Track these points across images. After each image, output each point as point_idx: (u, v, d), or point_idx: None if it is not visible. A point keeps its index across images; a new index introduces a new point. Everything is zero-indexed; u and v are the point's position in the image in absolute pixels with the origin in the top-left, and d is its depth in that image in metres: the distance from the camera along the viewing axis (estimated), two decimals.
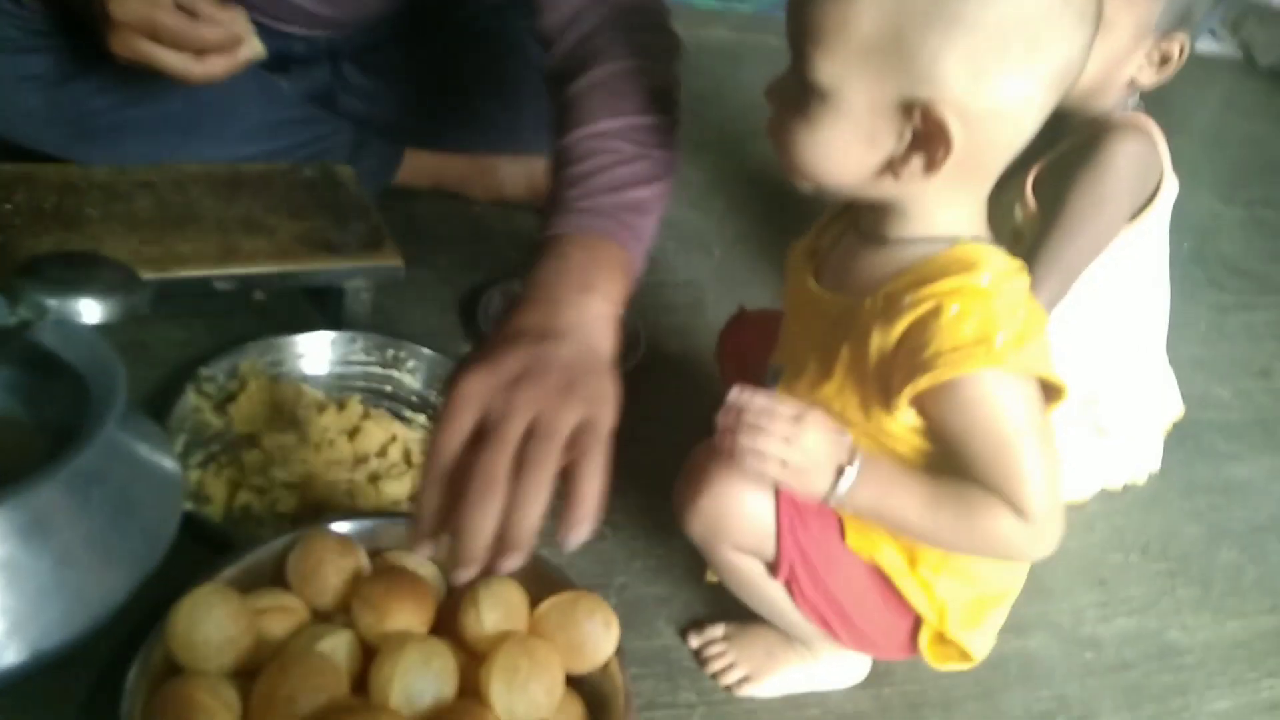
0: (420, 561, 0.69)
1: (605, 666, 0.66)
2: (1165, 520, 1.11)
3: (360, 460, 0.86)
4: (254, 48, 0.91)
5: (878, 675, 0.83)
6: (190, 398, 0.86)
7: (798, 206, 1.51)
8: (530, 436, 0.56)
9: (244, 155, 1.07)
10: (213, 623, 0.59)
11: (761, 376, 0.75)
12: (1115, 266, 0.93)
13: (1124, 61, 0.88)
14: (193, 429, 0.85)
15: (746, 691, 0.79)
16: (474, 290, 1.15)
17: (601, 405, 0.59)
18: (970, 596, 0.70)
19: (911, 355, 0.60)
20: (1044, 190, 0.93)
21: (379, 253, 1.00)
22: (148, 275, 0.86)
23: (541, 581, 0.68)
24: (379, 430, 0.89)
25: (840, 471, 0.63)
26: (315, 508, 0.79)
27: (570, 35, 0.80)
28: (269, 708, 0.56)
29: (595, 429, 0.58)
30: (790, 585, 0.70)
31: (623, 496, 0.93)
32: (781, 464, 0.62)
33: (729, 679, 0.80)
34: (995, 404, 0.60)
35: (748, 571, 0.71)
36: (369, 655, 0.62)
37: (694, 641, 0.82)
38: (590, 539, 0.58)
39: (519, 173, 1.27)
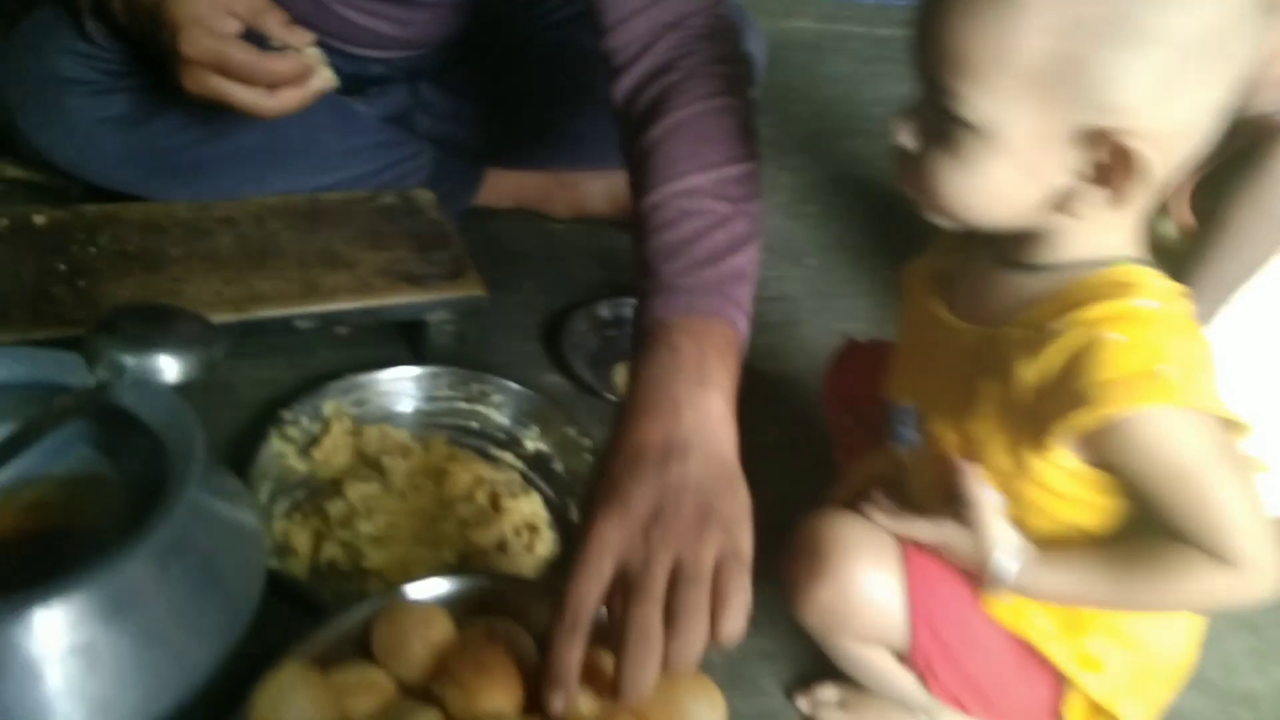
0: (510, 626, 0.65)
1: None
2: None
3: (446, 505, 0.82)
4: (326, 78, 0.88)
5: None
6: (274, 443, 0.84)
7: (899, 211, 1.43)
8: (676, 581, 0.54)
9: (323, 185, 1.05)
10: (297, 708, 0.55)
11: (873, 420, 0.69)
12: (1272, 281, 0.84)
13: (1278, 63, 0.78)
14: (277, 475, 0.83)
15: None
16: (557, 314, 1.10)
17: (739, 526, 0.57)
18: (1139, 664, 0.62)
19: (1066, 388, 0.53)
20: (1200, 201, 0.84)
21: (462, 282, 0.96)
22: (230, 317, 0.86)
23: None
24: (465, 473, 0.85)
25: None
26: (400, 562, 0.76)
27: (642, 66, 0.74)
28: None
29: (738, 555, 0.55)
30: (925, 676, 0.63)
31: None
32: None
33: None
34: (1174, 442, 0.53)
35: (873, 662, 0.65)
36: None
37: (804, 706, 0.76)
38: None
39: (601, 188, 1.23)
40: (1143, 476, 0.55)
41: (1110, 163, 0.51)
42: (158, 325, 0.69)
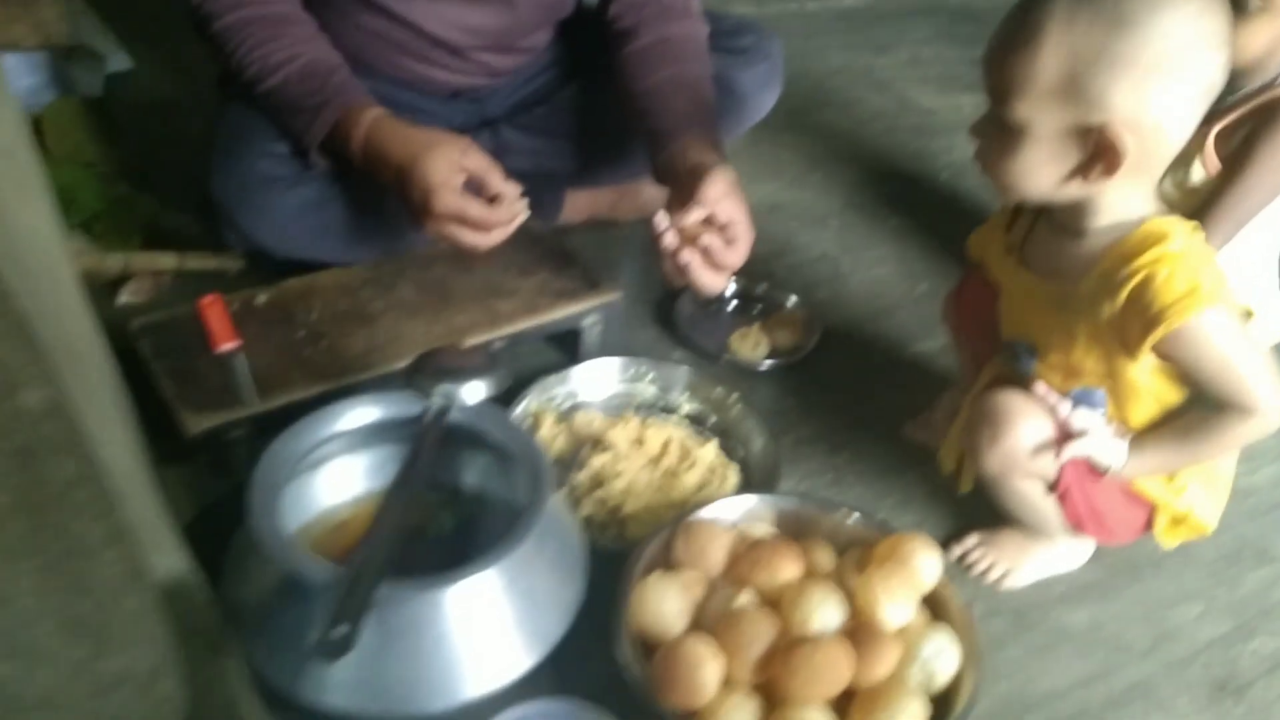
0: (766, 527, 0.90)
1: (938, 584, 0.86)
2: None
3: (654, 461, 1.06)
4: (524, 216, 1.08)
5: (1098, 552, 1.04)
6: None
7: (887, 171, 1.70)
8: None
9: None
10: (669, 598, 0.79)
11: (992, 331, 0.95)
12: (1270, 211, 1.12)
13: None
14: None
15: (1009, 584, 1.00)
16: (662, 301, 1.34)
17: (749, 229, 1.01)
18: (1206, 484, 0.91)
19: (1142, 314, 0.78)
20: (1223, 149, 1.11)
21: (601, 291, 1.19)
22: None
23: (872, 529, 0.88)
24: (657, 435, 1.08)
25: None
26: (646, 506, 0.99)
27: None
28: (738, 651, 0.76)
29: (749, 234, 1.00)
30: (1063, 499, 0.90)
31: (853, 454, 1.14)
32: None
33: (992, 576, 1.00)
34: (1215, 336, 0.78)
35: (1028, 493, 0.91)
36: (764, 602, 0.83)
37: (956, 551, 1.03)
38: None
39: (659, 191, 1.45)
40: (1196, 362, 0.80)
41: (1102, 147, 0.76)
42: (455, 361, 0.91)
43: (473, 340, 1.09)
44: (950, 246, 1.49)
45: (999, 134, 0.80)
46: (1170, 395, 0.85)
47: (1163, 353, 0.81)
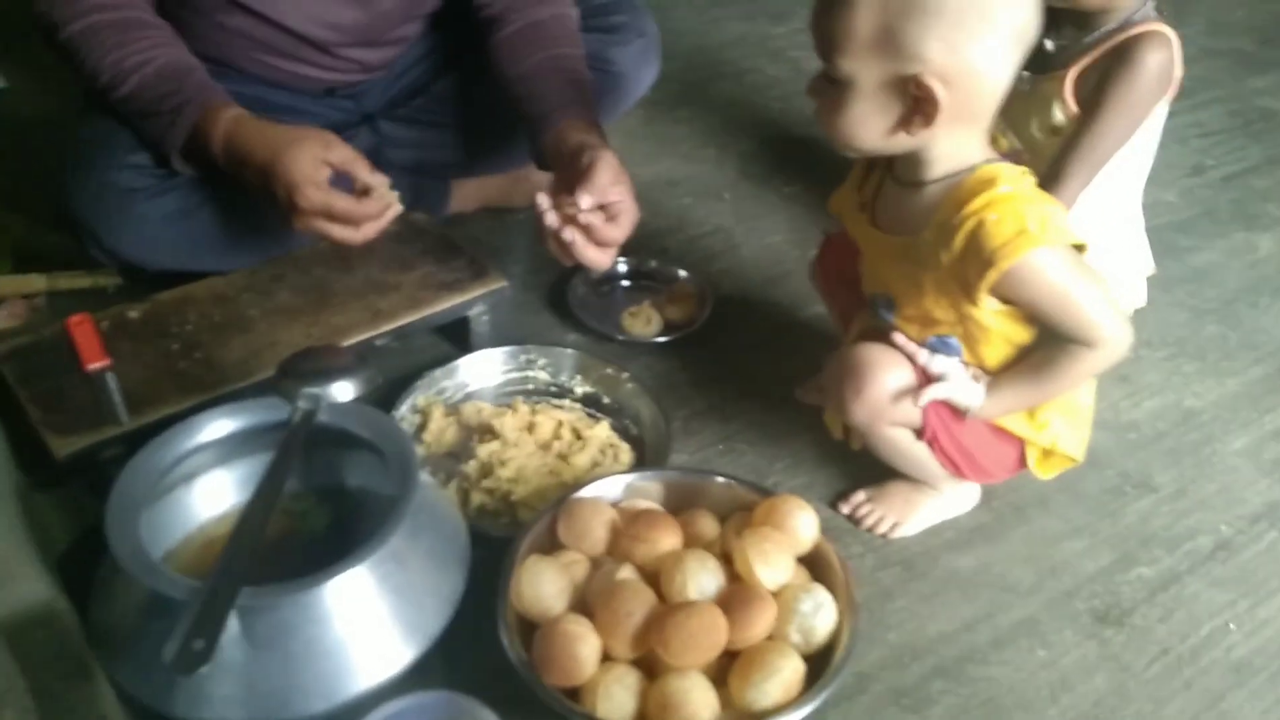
0: (648, 502, 0.90)
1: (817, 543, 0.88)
2: (1157, 315, 1.35)
3: (545, 446, 1.06)
4: (396, 207, 1.06)
5: (987, 495, 1.06)
6: None
7: (780, 140, 1.71)
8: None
9: None
10: (548, 580, 0.80)
11: (857, 288, 0.97)
12: (1127, 150, 1.15)
13: None
14: None
15: (898, 534, 1.02)
16: (555, 284, 1.33)
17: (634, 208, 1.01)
18: (1068, 416, 0.93)
19: (976, 258, 0.80)
20: (1082, 91, 1.13)
21: (487, 279, 1.18)
22: None
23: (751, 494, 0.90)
24: (548, 420, 1.08)
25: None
26: (536, 490, 0.99)
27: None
28: (615, 625, 0.77)
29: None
30: (932, 444, 0.92)
31: (745, 422, 1.15)
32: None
33: (882, 528, 1.02)
34: (1048, 273, 0.80)
35: (898, 439, 0.93)
36: (645, 575, 0.84)
37: (845, 509, 1.04)
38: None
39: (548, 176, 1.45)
40: (1034, 300, 0.82)
41: (919, 98, 0.77)
42: (322, 362, 0.90)
43: (353, 339, 1.08)
44: None
45: (829, 91, 0.81)
46: (1020, 335, 0.87)
47: (1002, 295, 0.83)
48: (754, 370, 1.22)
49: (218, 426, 0.85)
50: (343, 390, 0.88)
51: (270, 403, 0.87)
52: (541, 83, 1.15)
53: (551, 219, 0.97)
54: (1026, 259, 0.79)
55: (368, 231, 1.05)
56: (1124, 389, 1.24)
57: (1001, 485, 1.07)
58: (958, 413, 0.89)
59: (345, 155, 1.03)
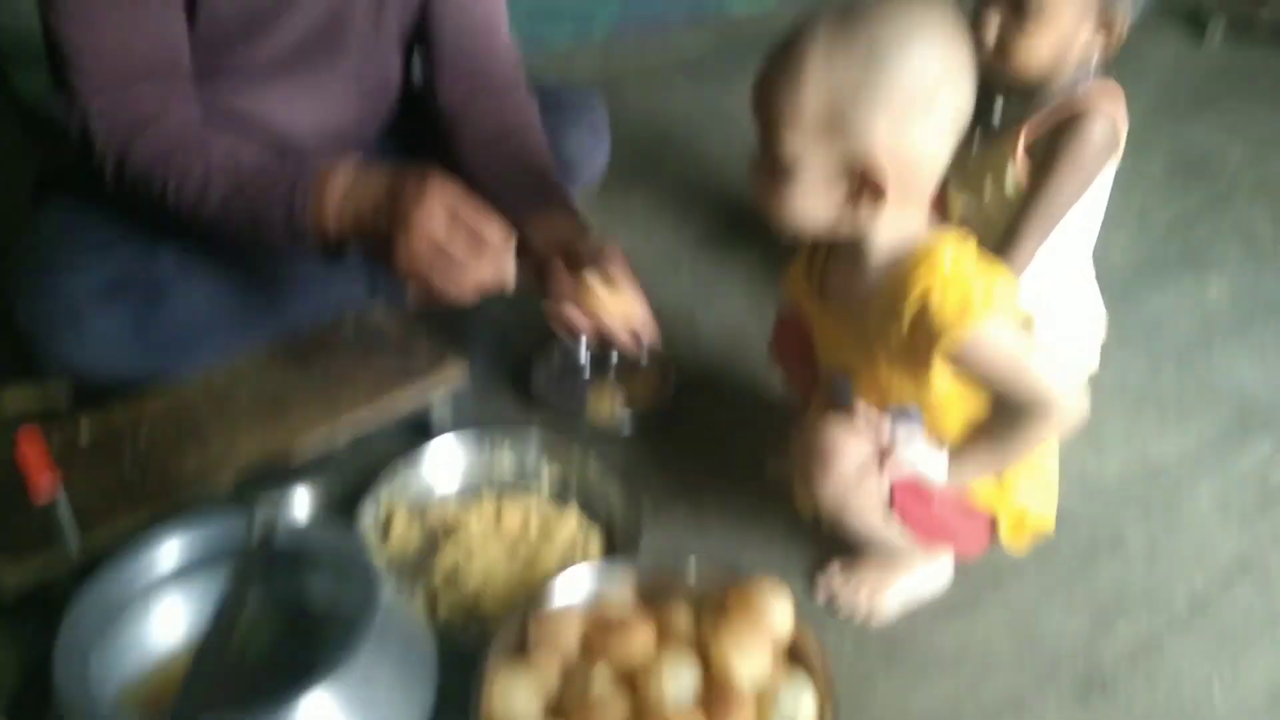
0: (622, 603, 0.89)
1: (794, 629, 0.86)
2: (1115, 366, 1.35)
3: (513, 543, 1.04)
4: (511, 270, 0.99)
5: (960, 567, 1.05)
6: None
7: (735, 213, 1.72)
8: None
9: (289, 326, 1.21)
10: (522, 690, 0.77)
11: (814, 365, 0.98)
12: (1078, 216, 1.17)
13: (1072, 40, 1.10)
14: None
15: (876, 619, 1.00)
16: (516, 365, 1.32)
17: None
18: (1033, 481, 0.93)
19: (926, 336, 0.81)
20: (1034, 153, 1.15)
21: (445, 366, 1.17)
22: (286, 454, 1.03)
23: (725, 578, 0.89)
24: (515, 511, 1.07)
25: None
26: (505, 598, 0.97)
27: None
28: None
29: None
30: (903, 517, 0.92)
31: (716, 500, 1.14)
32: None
33: (860, 614, 1.01)
34: (996, 343, 0.81)
35: (869, 515, 0.92)
36: (622, 680, 0.82)
37: (820, 596, 1.03)
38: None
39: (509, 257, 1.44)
40: (985, 369, 0.83)
41: (866, 180, 0.78)
42: (275, 478, 0.88)
43: (312, 439, 1.06)
44: None
45: (771, 172, 0.81)
46: (977, 402, 0.88)
47: (955, 367, 0.83)
48: (722, 447, 1.22)
49: (170, 549, 0.82)
50: (301, 501, 0.86)
51: (226, 518, 0.84)
52: (516, 190, 1.16)
53: (583, 324, 1.06)
54: (974, 333, 0.80)
55: (474, 282, 0.96)
56: (1089, 445, 1.24)
57: (973, 567, 1.06)
58: (924, 485, 0.89)
59: (469, 202, 0.96)
